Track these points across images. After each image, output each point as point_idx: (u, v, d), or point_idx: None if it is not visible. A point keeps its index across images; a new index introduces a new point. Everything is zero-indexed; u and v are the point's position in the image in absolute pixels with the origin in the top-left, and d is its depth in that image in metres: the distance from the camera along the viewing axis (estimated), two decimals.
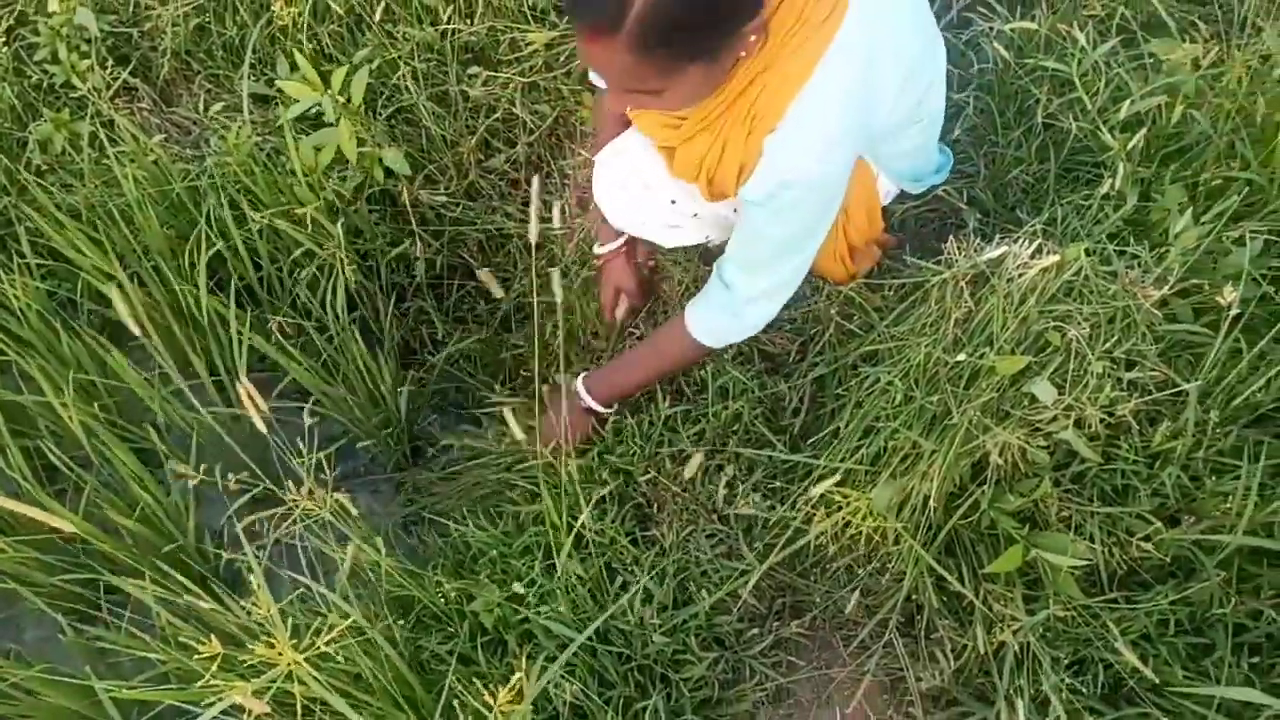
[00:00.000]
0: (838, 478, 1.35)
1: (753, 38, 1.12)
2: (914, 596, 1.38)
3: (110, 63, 1.99)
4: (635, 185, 1.51)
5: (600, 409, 1.54)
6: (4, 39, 1.97)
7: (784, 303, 1.39)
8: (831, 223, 1.31)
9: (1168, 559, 1.26)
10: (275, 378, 1.74)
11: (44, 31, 1.93)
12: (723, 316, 1.40)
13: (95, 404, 1.62)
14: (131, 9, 2.05)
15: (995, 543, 1.33)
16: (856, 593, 1.39)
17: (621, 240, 1.65)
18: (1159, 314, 1.34)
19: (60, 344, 1.66)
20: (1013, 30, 1.59)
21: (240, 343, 1.61)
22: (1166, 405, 1.32)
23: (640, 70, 1.06)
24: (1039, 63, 1.61)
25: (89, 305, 1.76)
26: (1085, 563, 1.23)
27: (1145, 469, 1.30)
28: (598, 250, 1.69)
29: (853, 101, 1.19)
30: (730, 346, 1.57)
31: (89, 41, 1.96)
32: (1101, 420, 1.28)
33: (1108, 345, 1.29)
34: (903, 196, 1.61)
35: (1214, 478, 1.28)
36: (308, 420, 1.50)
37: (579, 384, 1.53)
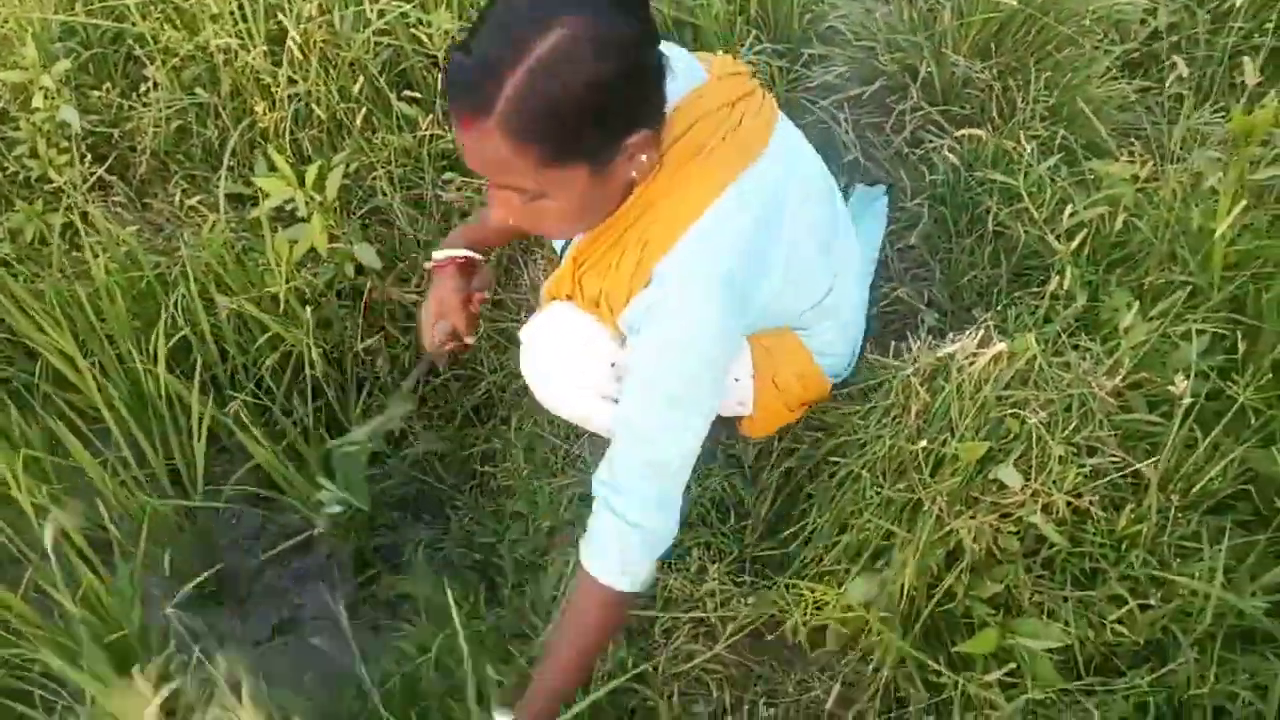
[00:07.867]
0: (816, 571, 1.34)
1: (644, 157, 1.09)
2: (897, 691, 1.35)
3: (89, 159, 2.02)
4: (575, 343, 1.30)
5: None
6: None
7: (678, 501, 1.18)
8: (717, 395, 1.19)
9: (1141, 642, 1.26)
10: (232, 467, 1.70)
11: (25, 126, 1.96)
12: (615, 533, 1.16)
13: (44, 489, 1.56)
14: (114, 111, 2.10)
15: (973, 631, 1.32)
16: (837, 683, 1.35)
17: (461, 252, 1.47)
18: (1114, 403, 1.39)
19: (10, 425, 1.61)
20: (961, 136, 1.70)
21: (201, 425, 1.58)
22: (1129, 491, 1.35)
23: (514, 163, 1.02)
24: (988, 175, 1.72)
25: (46, 389, 1.71)
26: (1061, 644, 1.23)
27: (1112, 553, 1.31)
28: (435, 255, 1.47)
29: (746, 248, 1.14)
30: (655, 582, 1.34)
31: (69, 139, 2.00)
32: (1067, 504, 1.30)
33: (1067, 432, 1.32)
34: None
35: (1179, 561, 1.29)
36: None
37: None
